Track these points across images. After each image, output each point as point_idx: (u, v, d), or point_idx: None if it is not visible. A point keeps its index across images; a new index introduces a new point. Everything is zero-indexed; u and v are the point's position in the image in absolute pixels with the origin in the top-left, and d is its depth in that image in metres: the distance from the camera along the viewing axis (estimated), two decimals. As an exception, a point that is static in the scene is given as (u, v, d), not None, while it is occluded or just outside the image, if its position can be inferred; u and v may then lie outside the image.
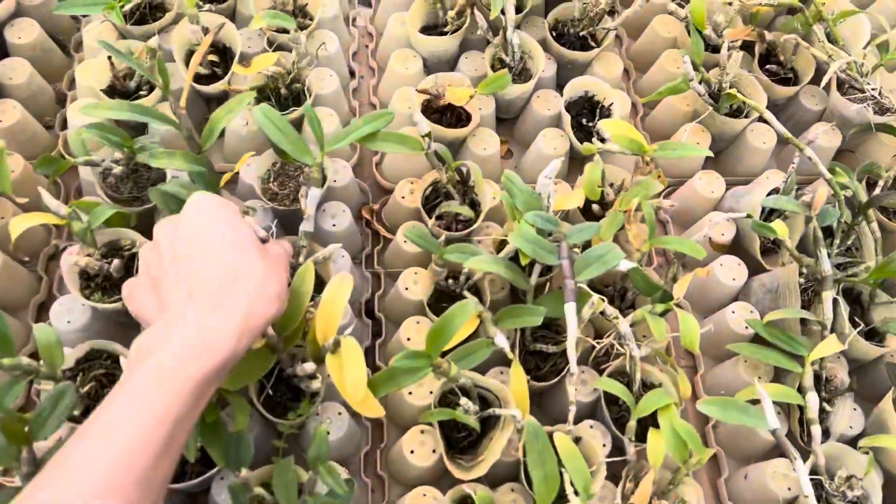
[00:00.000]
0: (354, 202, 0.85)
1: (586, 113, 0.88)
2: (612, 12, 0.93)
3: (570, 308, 0.67)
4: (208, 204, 0.55)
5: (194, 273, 0.52)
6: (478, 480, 0.68)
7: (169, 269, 0.53)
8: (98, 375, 0.67)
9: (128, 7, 0.81)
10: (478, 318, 0.71)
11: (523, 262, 0.70)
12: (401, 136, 0.73)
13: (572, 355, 0.66)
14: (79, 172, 0.81)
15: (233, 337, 0.49)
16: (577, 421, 0.74)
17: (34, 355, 0.62)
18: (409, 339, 0.75)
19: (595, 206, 0.80)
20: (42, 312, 0.79)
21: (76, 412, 0.63)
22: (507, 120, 0.95)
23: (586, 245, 0.74)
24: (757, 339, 0.78)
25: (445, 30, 0.89)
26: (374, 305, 0.83)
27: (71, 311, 0.71)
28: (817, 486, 0.70)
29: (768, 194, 0.81)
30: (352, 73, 0.96)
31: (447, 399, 0.72)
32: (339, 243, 0.78)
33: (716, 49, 0.91)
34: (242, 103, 0.64)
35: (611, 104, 0.86)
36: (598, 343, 0.72)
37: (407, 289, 0.77)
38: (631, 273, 0.71)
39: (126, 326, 0.76)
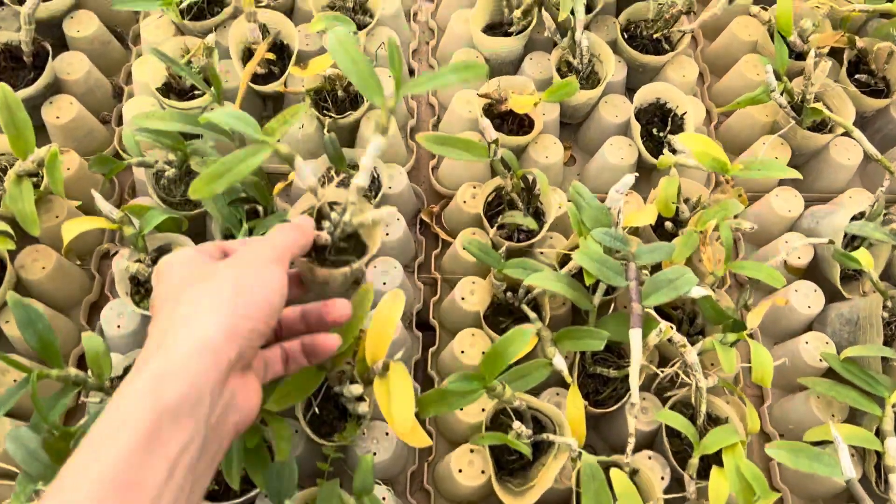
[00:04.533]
0: (409, 208, 0.83)
1: (657, 122, 0.83)
2: (688, 12, 0.87)
3: (635, 335, 0.63)
4: (166, 270, 0.46)
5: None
6: (528, 508, 0.65)
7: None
8: (146, 385, 0.65)
9: (185, 3, 0.79)
10: (536, 336, 0.68)
11: (588, 281, 0.66)
12: (467, 143, 0.70)
13: (635, 385, 0.62)
14: (133, 170, 0.81)
15: (143, 396, 0.39)
16: (635, 450, 0.70)
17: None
18: (462, 352, 0.72)
19: (668, 223, 0.75)
20: (94, 312, 0.78)
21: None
22: (571, 125, 0.90)
23: (656, 265, 0.70)
24: (831, 373, 0.73)
25: (510, 30, 0.85)
26: (426, 315, 0.80)
27: (121, 316, 0.70)
28: (894, 537, 0.65)
29: (853, 218, 0.75)
30: (411, 72, 0.93)
31: (499, 419, 0.70)
32: (394, 255, 0.76)
33: (800, 56, 0.85)
34: (297, 114, 0.61)
35: (684, 113, 0.81)
36: (662, 371, 0.68)
37: (463, 298, 0.74)
38: (701, 301, 0.67)
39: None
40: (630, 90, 0.88)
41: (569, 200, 0.76)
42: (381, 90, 0.51)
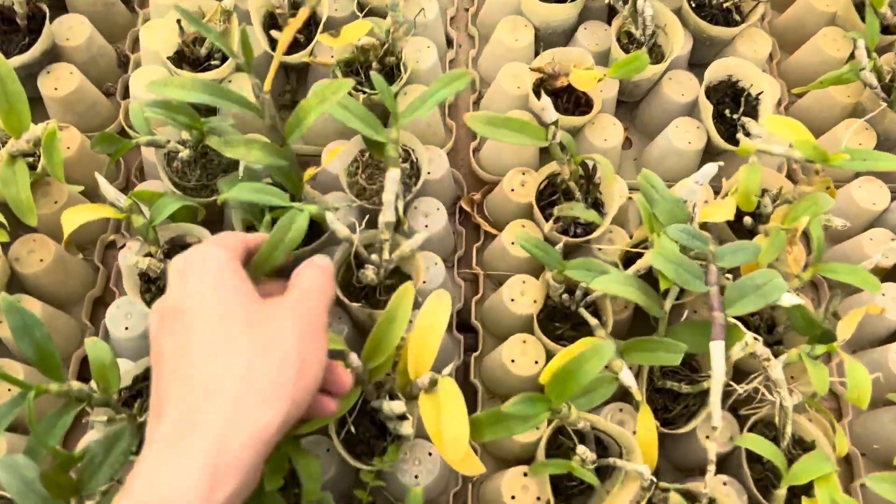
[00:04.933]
0: (448, 196, 0.74)
1: (728, 101, 0.74)
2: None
3: (717, 347, 0.56)
4: (195, 277, 0.42)
5: (164, 385, 0.40)
6: (591, 541, 0.58)
7: (154, 361, 0.42)
8: (158, 398, 0.57)
9: (200, -41, 0.70)
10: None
11: (663, 286, 0.58)
12: (522, 124, 0.62)
13: (717, 406, 0.55)
14: (141, 150, 0.72)
15: (197, 493, 0.36)
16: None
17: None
18: (513, 361, 0.64)
19: (746, 218, 0.67)
20: (98, 308, 0.70)
21: (134, 450, 0.54)
22: (627, 103, 0.81)
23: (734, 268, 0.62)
24: (922, 386, 0.65)
25: (564, -5, 0.76)
26: (467, 315, 0.72)
27: (129, 317, 0.62)
28: None
29: (953, 213, 0.67)
30: (449, 43, 0.84)
31: (557, 439, 0.62)
32: (433, 250, 0.68)
33: (886, 29, 0.76)
34: (339, 92, 0.53)
35: (760, 93, 0.72)
36: (741, 388, 0.60)
37: (513, 300, 0.66)
38: (791, 310, 0.58)
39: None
40: (693, 66, 0.79)
41: (630, 190, 0.68)
42: (382, 128, 0.59)
